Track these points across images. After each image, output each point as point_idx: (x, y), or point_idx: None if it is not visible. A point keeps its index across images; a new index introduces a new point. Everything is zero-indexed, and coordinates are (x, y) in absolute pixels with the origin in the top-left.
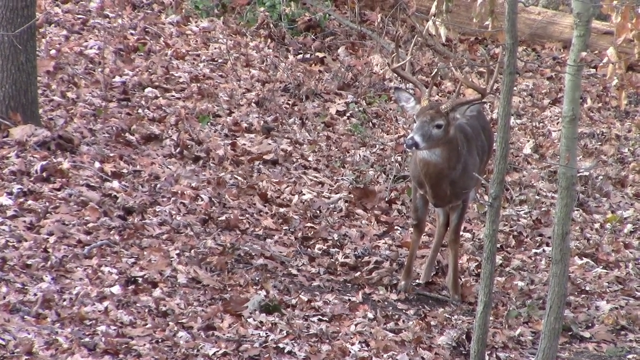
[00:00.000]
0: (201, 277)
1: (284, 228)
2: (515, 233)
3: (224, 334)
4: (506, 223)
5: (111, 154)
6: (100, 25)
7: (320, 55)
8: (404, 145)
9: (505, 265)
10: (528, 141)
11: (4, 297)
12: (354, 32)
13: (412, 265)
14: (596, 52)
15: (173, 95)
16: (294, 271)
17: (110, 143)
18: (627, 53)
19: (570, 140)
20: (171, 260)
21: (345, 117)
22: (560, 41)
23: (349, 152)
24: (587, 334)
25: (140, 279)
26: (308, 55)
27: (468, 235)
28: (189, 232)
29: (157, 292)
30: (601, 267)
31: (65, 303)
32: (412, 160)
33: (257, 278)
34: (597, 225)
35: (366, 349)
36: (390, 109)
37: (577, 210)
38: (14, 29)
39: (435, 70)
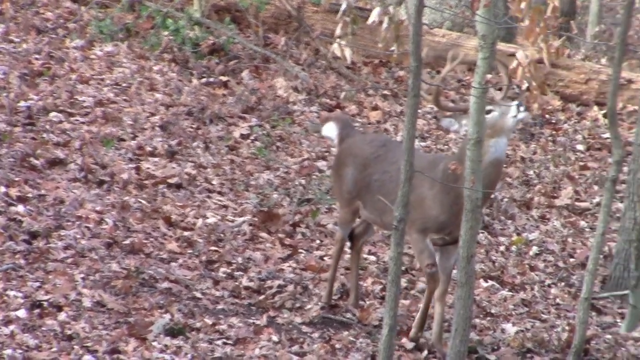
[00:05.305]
0: (106, 300)
1: (188, 251)
2: None
3: (129, 358)
4: (410, 246)
5: (16, 179)
6: (5, 50)
7: (224, 78)
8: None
9: (410, 288)
10: None
11: None
12: (258, 55)
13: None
14: (501, 74)
15: (77, 120)
16: (199, 294)
17: (15, 167)
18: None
19: (476, 162)
20: (76, 284)
21: (249, 141)
22: (465, 63)
23: (253, 176)
24: (492, 357)
25: (45, 303)
26: (212, 79)
27: (373, 258)
28: (93, 256)
29: (62, 316)
30: (507, 289)
31: None
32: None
33: (161, 301)
34: (502, 248)
35: None
36: (294, 132)
37: (482, 232)
38: None
39: (343, 93)
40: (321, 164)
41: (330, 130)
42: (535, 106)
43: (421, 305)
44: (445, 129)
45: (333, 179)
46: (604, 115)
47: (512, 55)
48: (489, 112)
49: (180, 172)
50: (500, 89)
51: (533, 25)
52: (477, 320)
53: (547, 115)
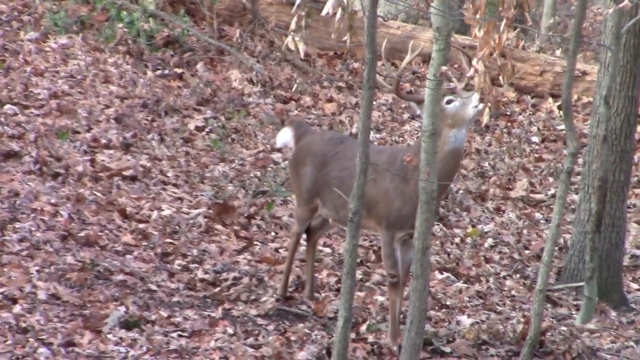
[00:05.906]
0: (61, 293)
1: (144, 244)
2: (375, 248)
3: (84, 350)
4: (366, 238)
5: None
6: None
7: (179, 71)
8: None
9: (365, 280)
10: None
11: None
12: (212, 47)
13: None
14: (456, 66)
15: (32, 112)
16: (154, 287)
17: None
18: (489, 67)
19: (431, 154)
20: (31, 277)
21: (204, 133)
22: (419, 55)
23: (208, 168)
24: (448, 349)
25: (0, 296)
26: (167, 71)
27: (328, 250)
28: (48, 249)
29: (17, 309)
30: (462, 281)
31: None
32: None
33: (116, 294)
34: (457, 240)
35: None
36: (249, 125)
37: (437, 224)
38: None
39: (296, 85)
40: (276, 156)
41: (285, 134)
42: (485, 118)
43: (389, 317)
44: (414, 109)
45: (291, 178)
46: (559, 107)
47: (469, 47)
48: (450, 102)
49: (135, 165)
50: (458, 79)
51: (488, 37)
52: (433, 312)
53: (502, 107)
